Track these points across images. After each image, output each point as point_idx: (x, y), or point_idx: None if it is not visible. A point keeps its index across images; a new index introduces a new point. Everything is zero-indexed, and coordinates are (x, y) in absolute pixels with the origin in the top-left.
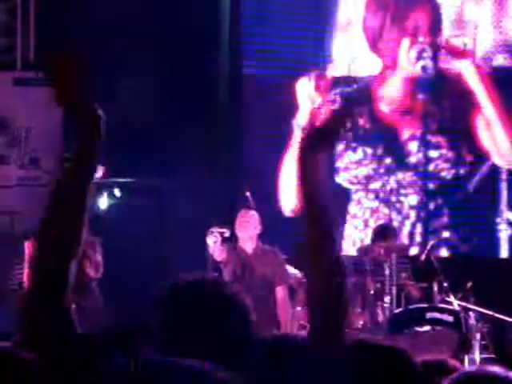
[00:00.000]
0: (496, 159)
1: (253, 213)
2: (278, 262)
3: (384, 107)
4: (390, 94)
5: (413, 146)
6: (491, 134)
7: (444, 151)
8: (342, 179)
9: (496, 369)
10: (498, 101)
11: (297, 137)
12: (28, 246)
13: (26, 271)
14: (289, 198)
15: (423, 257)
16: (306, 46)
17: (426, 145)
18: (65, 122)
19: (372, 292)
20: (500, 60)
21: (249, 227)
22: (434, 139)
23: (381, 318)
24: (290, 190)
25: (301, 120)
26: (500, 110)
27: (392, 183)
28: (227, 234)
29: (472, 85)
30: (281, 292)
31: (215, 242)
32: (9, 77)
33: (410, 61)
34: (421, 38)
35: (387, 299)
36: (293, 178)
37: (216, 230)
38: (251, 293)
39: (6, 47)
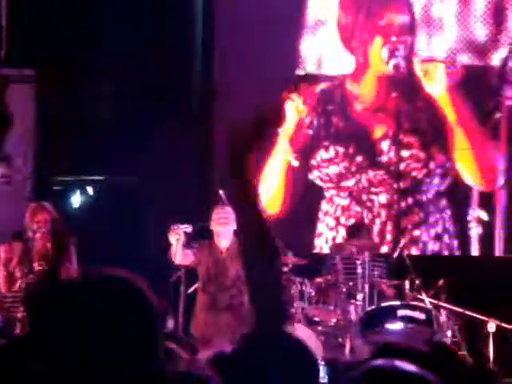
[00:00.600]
0: (464, 175)
1: (229, 209)
2: None
3: (357, 105)
4: (363, 92)
5: (384, 144)
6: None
7: (415, 151)
8: (314, 177)
9: (401, 363)
10: (469, 122)
11: (281, 144)
12: (2, 249)
13: (1, 274)
14: (269, 201)
15: (395, 255)
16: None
17: (397, 144)
18: (38, 120)
19: (344, 290)
20: (464, 58)
21: (228, 223)
22: (406, 139)
23: (353, 315)
24: (270, 193)
25: (286, 130)
26: (469, 134)
27: (363, 181)
28: (189, 230)
29: (443, 105)
30: None
31: (178, 240)
32: None
33: (382, 59)
34: (393, 37)
35: (360, 297)
36: (274, 182)
37: (178, 226)
38: (224, 292)
39: None
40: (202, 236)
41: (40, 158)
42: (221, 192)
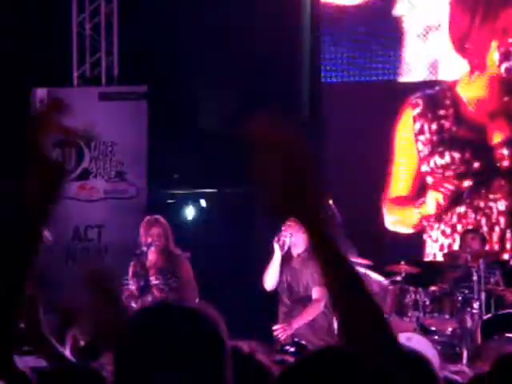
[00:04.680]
0: None
1: None
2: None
3: (470, 109)
4: (476, 96)
5: (504, 150)
6: None
7: None
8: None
9: None
10: None
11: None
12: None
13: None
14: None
15: None
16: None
17: None
18: (149, 135)
19: (460, 298)
20: None
21: (285, 232)
22: None
23: (469, 324)
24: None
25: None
26: None
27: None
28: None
29: None
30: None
31: (282, 247)
32: (94, 92)
33: (494, 62)
34: (510, 39)
35: (476, 305)
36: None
37: (282, 235)
38: (298, 303)
39: (91, 63)
40: None
41: (153, 172)
42: (330, 202)
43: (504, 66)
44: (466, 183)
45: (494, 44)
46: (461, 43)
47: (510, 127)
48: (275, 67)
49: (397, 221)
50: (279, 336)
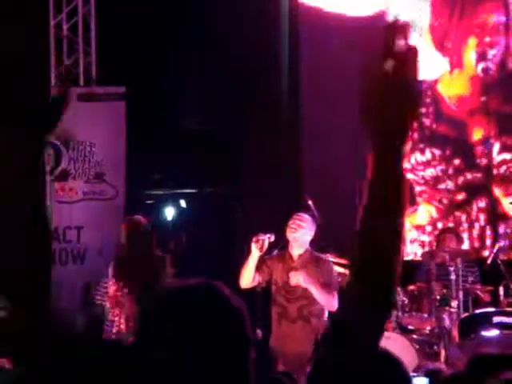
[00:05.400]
0: None
1: (306, 217)
2: (325, 270)
3: (451, 107)
4: (457, 94)
5: (484, 147)
6: None
7: None
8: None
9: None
10: None
11: None
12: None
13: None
14: None
15: (489, 260)
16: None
17: (500, 146)
18: (128, 136)
19: (438, 297)
20: None
21: (297, 231)
22: (509, 141)
23: (447, 323)
24: None
25: None
26: None
27: (461, 185)
28: (272, 239)
29: None
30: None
31: (260, 248)
32: (73, 93)
33: (471, 62)
34: (487, 38)
35: (454, 304)
36: None
37: (261, 235)
38: (293, 303)
39: (68, 64)
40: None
41: (132, 172)
42: (309, 202)
43: (480, 66)
44: (460, 196)
45: (472, 42)
46: (441, 41)
47: (489, 125)
48: (255, 67)
49: None
50: (293, 277)
